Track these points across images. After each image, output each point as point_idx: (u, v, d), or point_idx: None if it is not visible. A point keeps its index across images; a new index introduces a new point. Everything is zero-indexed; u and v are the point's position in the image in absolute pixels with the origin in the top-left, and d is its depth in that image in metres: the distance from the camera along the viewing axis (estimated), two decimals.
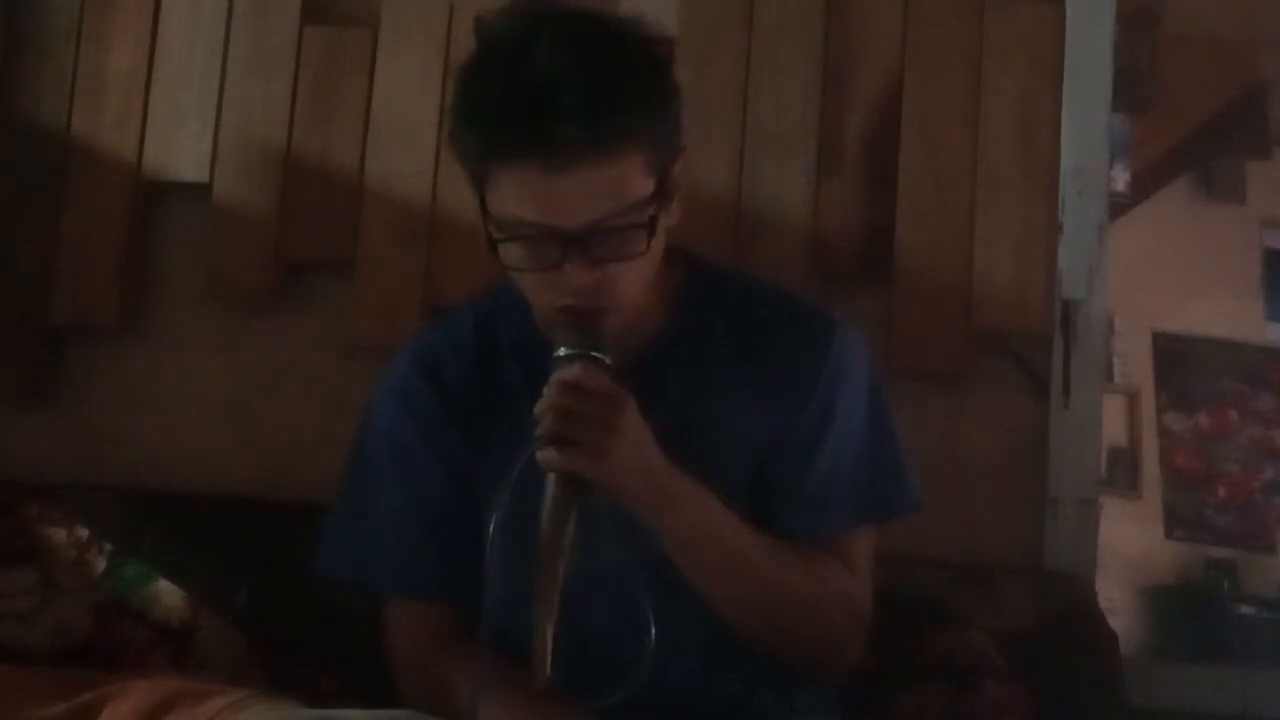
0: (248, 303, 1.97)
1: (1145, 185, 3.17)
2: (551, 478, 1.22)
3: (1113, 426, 3.08)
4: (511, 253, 1.28)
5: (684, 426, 1.33)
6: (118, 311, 1.97)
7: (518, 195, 1.25)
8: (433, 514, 1.41)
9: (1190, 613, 3.03)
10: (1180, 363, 3.12)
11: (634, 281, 1.31)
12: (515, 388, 1.38)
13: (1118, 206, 2.43)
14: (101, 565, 1.74)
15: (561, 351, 1.26)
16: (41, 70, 2.01)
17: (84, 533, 1.75)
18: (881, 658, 1.63)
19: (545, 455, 1.22)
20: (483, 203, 1.30)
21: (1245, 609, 2.99)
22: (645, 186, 1.27)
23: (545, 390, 1.24)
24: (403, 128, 1.94)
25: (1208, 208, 3.37)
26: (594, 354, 1.26)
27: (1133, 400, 3.22)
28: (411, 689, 1.40)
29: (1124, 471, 3.23)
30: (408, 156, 1.93)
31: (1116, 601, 2.80)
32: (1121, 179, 2.82)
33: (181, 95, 1.98)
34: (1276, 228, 3.38)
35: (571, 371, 1.24)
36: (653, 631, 1.22)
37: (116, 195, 1.97)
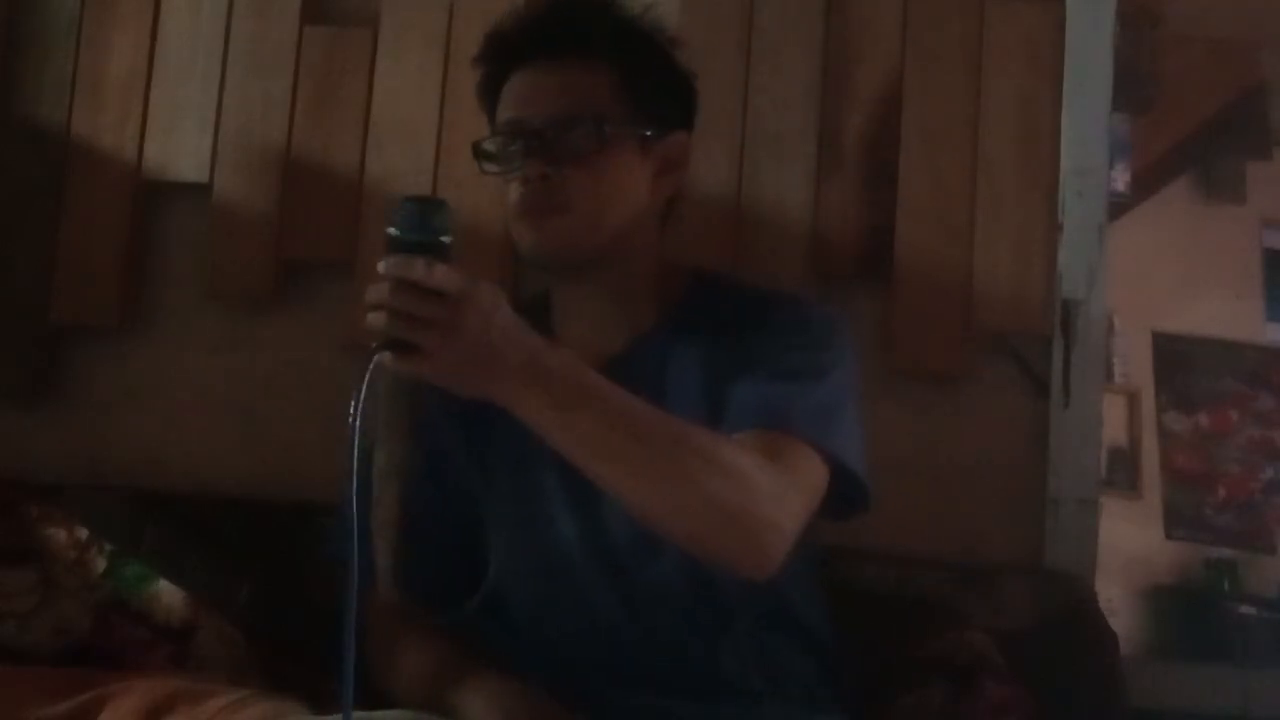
0: (248, 303, 1.97)
1: (1145, 185, 3.17)
2: (388, 376, 1.17)
3: (1113, 426, 3.08)
4: (492, 160, 1.44)
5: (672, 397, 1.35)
6: (118, 311, 1.96)
7: (504, 101, 1.45)
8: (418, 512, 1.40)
9: (1190, 613, 3.03)
10: (1180, 363, 3.11)
11: (587, 187, 1.39)
12: None
13: (1118, 206, 2.43)
14: (101, 565, 1.74)
15: (393, 231, 1.14)
16: (41, 70, 2.01)
17: (84, 533, 1.75)
18: (881, 658, 1.64)
19: (384, 359, 1.15)
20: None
21: (1245, 609, 2.99)
22: (608, 103, 1.41)
23: (375, 286, 1.14)
24: (403, 128, 1.94)
25: (1208, 208, 3.37)
26: (438, 238, 1.13)
27: (1133, 400, 3.21)
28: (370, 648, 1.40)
29: (1124, 471, 3.23)
30: (408, 156, 1.93)
31: (1116, 601, 2.80)
32: (1121, 179, 2.82)
33: (181, 95, 1.98)
34: (1276, 228, 3.39)
35: (414, 269, 1.12)
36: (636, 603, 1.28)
37: (116, 195, 1.97)
